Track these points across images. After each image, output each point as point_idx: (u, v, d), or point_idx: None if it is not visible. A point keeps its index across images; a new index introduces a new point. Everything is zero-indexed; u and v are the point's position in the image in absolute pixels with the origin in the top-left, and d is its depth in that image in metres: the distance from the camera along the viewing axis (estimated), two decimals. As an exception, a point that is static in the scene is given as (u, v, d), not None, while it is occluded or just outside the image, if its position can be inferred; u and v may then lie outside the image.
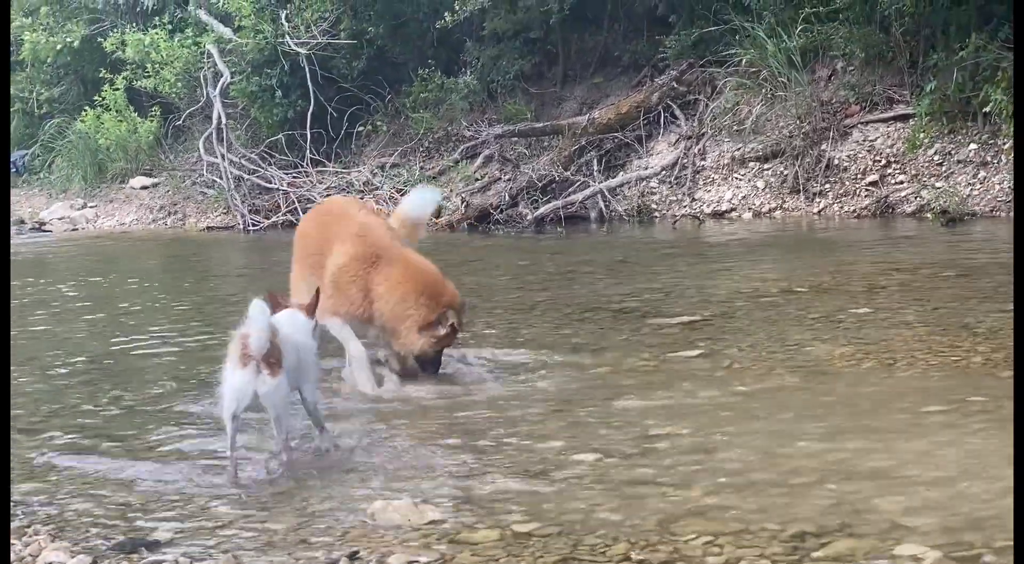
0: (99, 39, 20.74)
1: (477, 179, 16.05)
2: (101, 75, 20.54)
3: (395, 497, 4.38)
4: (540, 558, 3.81)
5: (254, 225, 16.62)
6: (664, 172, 14.81)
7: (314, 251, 6.61)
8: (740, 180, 14.30)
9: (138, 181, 19.76)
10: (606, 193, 14.76)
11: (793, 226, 13.15)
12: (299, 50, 17.15)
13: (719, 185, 14.43)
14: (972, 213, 12.36)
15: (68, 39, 21.35)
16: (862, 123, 13.80)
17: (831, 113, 13.92)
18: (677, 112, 15.23)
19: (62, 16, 21.87)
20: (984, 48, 12.56)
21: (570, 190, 14.95)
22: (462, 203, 15.50)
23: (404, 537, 4.06)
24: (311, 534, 4.13)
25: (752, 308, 8.05)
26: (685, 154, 14.75)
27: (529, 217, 14.77)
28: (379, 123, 17.55)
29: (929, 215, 12.47)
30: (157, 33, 19.47)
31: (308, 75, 17.21)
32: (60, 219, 19.36)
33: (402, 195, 12.34)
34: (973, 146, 12.89)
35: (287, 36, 17.30)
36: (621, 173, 15.09)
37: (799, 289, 8.70)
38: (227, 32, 18.43)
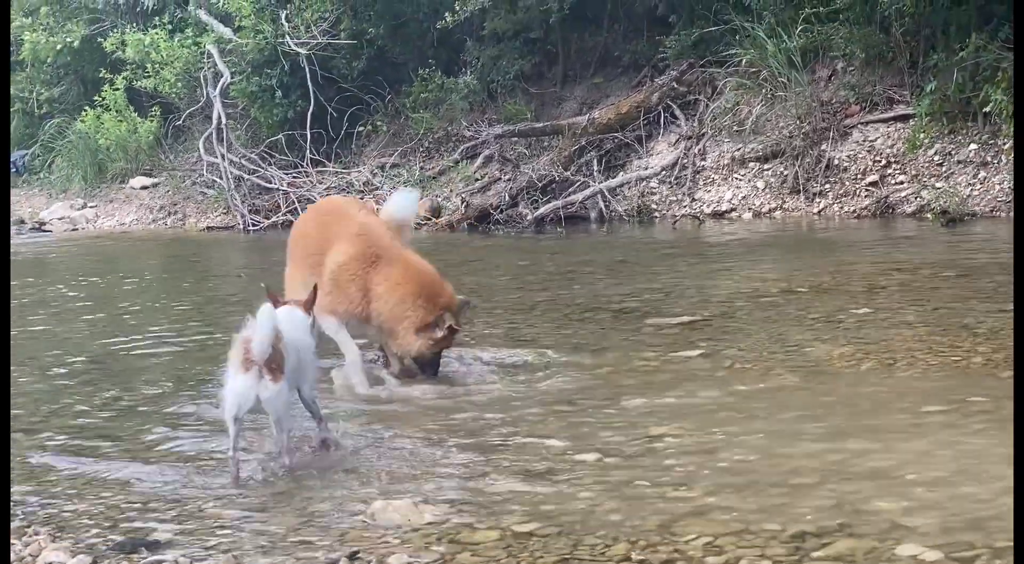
0: (99, 39, 20.74)
1: (477, 179, 16.05)
2: (101, 75, 20.54)
3: (395, 497, 4.37)
4: (540, 558, 3.80)
5: (254, 225, 16.62)
6: (664, 172, 14.80)
7: (314, 251, 6.59)
8: (740, 180, 14.30)
9: (138, 181, 19.76)
10: (606, 193, 14.75)
11: (793, 226, 13.15)
12: (299, 50, 17.15)
13: (719, 185, 14.42)
14: (972, 213, 12.36)
15: (68, 39, 21.35)
16: (862, 123, 13.80)
17: (831, 113, 13.92)
18: (677, 112, 15.23)
19: (62, 16, 21.87)
20: (984, 48, 12.56)
21: (570, 190, 14.94)
22: (462, 203, 15.50)
23: (404, 537, 4.05)
24: (311, 534, 4.13)
25: (752, 308, 8.06)
26: (685, 154, 14.75)
27: (529, 217, 14.76)
28: (379, 123, 17.55)
29: (929, 215, 12.47)
30: (157, 33, 19.47)
31: (308, 75, 17.21)
32: (60, 219, 19.35)
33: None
34: (973, 146, 12.88)
35: (287, 36, 17.30)
36: (621, 173, 15.08)
37: (799, 289, 8.69)
38: (227, 32, 18.43)
